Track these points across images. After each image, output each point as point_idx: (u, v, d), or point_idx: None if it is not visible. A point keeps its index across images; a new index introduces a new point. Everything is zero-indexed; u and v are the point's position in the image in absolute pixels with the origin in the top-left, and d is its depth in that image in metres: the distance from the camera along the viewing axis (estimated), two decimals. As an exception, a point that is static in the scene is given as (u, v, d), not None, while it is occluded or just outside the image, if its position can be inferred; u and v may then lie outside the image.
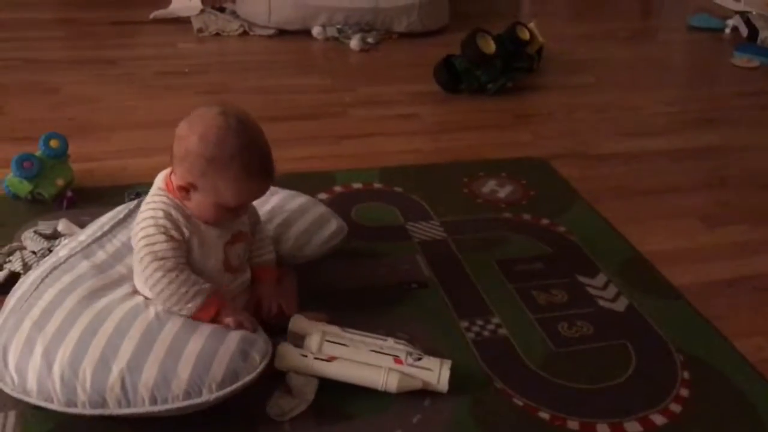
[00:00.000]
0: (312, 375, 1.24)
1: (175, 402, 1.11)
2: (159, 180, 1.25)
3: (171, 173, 1.22)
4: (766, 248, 1.79)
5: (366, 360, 1.25)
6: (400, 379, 1.23)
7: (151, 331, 1.16)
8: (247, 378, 1.15)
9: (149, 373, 1.11)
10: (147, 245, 1.18)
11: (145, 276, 1.19)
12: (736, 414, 1.27)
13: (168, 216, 1.18)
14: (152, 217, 1.18)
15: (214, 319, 1.20)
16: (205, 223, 1.22)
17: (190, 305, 1.19)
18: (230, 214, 1.24)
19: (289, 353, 1.24)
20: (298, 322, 1.31)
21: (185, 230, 1.19)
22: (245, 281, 1.33)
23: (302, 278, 1.47)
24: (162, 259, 1.17)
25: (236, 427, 1.18)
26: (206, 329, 1.18)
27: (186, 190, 1.18)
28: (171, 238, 1.18)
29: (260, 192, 1.24)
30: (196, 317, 1.19)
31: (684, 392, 1.31)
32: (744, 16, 3.51)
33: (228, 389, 1.13)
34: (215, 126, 1.15)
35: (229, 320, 1.20)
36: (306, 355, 1.24)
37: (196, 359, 1.13)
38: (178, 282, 1.18)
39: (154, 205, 1.20)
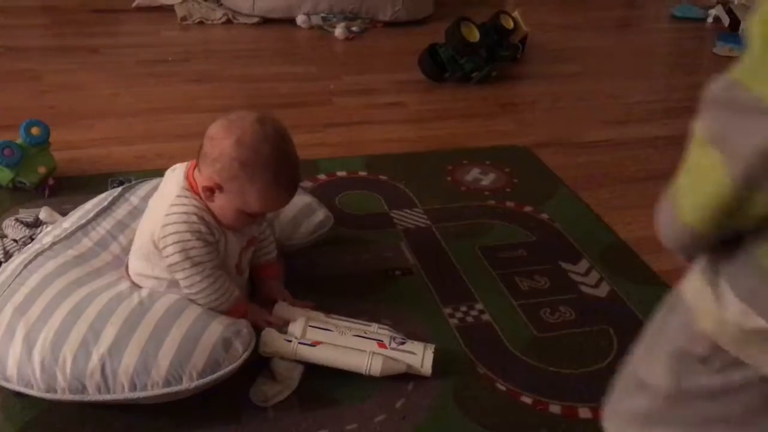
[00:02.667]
0: (296, 360, 1.24)
1: (154, 389, 1.11)
2: (180, 177, 1.22)
3: (193, 170, 1.21)
4: (747, 235, 1.81)
5: (350, 344, 1.26)
6: (384, 363, 1.23)
7: (134, 317, 1.15)
8: (229, 368, 1.15)
9: (129, 360, 1.11)
10: (182, 250, 1.17)
11: (181, 279, 1.20)
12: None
13: (202, 220, 1.18)
14: (186, 222, 1.17)
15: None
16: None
17: (222, 308, 1.22)
18: (248, 221, 1.24)
19: (274, 339, 1.24)
20: (282, 309, 1.31)
21: (216, 233, 1.20)
22: (246, 281, 1.36)
23: (287, 265, 1.47)
24: (199, 264, 1.18)
25: (219, 413, 1.18)
26: (190, 317, 1.18)
27: (212, 190, 1.18)
28: (206, 242, 1.18)
29: (284, 203, 1.25)
30: None
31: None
32: (726, 6, 3.53)
33: (208, 378, 1.13)
34: (253, 132, 1.15)
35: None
36: (290, 340, 1.25)
37: (177, 347, 1.13)
38: (214, 287, 1.20)
39: (184, 208, 1.18)
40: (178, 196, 1.19)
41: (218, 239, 1.21)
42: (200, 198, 1.19)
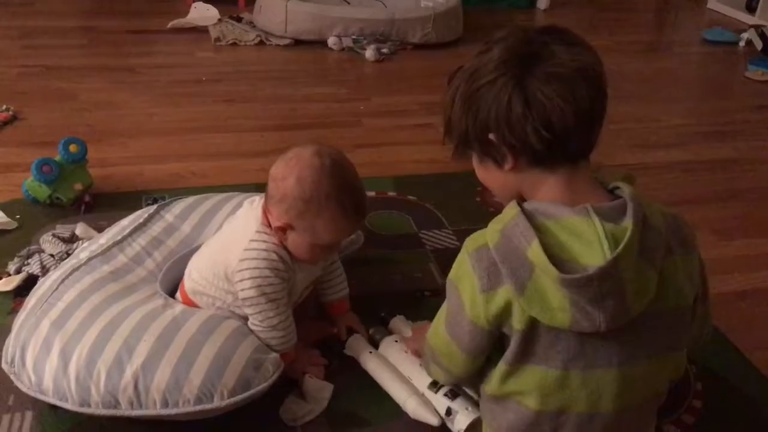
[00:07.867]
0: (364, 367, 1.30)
1: (186, 406, 1.12)
2: (258, 212, 1.23)
3: (264, 207, 1.23)
4: (780, 261, 1.79)
5: (406, 372, 1.28)
6: (418, 408, 1.21)
7: (167, 334, 1.17)
8: (259, 387, 1.16)
9: (162, 376, 1.12)
10: (259, 286, 1.19)
11: (254, 314, 1.22)
12: (749, 426, 1.27)
13: (281, 259, 1.20)
14: (266, 259, 1.19)
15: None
16: (298, 262, 1.24)
17: (278, 348, 1.23)
18: (324, 253, 1.26)
19: (359, 346, 1.34)
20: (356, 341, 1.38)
21: (288, 272, 1.22)
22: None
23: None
24: (274, 300, 1.20)
25: (248, 431, 1.19)
26: (222, 336, 1.19)
27: (283, 230, 1.20)
28: (282, 279, 1.21)
29: (354, 230, 1.28)
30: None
31: (697, 403, 1.31)
32: (758, 29, 3.50)
33: (239, 397, 1.14)
34: (311, 167, 1.16)
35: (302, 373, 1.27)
36: (372, 351, 1.32)
37: (209, 365, 1.14)
38: (284, 323, 1.23)
39: (265, 245, 1.20)
40: (258, 231, 1.21)
41: (289, 278, 1.23)
42: (275, 235, 1.21)
